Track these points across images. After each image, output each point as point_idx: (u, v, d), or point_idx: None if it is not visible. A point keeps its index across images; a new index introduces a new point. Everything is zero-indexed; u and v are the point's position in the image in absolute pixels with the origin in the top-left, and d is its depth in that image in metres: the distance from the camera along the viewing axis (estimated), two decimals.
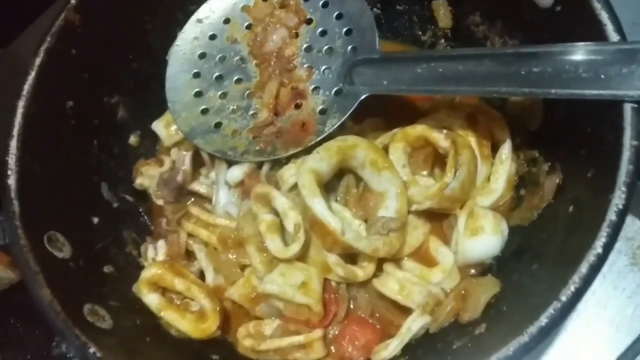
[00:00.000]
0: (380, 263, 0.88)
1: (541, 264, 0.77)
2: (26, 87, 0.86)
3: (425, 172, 0.93)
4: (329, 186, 0.90)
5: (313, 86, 0.93)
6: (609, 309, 0.96)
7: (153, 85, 1.01)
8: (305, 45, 0.94)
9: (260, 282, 0.86)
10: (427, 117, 0.94)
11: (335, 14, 0.94)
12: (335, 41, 0.93)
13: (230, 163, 0.96)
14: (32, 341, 1.01)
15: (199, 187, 1.00)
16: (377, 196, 0.88)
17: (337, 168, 0.88)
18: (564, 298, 0.64)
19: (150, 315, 0.88)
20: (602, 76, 0.68)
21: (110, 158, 1.01)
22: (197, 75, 0.97)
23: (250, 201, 0.89)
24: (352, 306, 0.89)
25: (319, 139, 0.89)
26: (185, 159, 0.98)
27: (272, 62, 0.96)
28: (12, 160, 0.83)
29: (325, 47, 0.93)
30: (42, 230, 0.82)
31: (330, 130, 0.89)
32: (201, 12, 0.99)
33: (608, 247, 0.65)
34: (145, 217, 1.05)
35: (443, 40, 1.07)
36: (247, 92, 0.96)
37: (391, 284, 0.85)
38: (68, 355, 0.94)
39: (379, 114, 0.97)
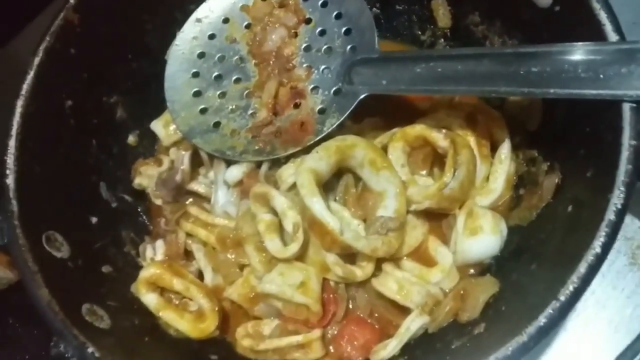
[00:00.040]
0: (379, 263, 0.87)
1: (540, 263, 0.77)
2: (25, 87, 0.86)
3: (424, 172, 0.92)
4: (327, 186, 0.90)
5: (312, 86, 0.93)
6: (608, 309, 0.96)
7: (152, 85, 1.01)
8: (304, 45, 0.94)
9: (259, 282, 0.86)
10: (426, 116, 0.94)
11: (335, 13, 0.94)
12: (335, 41, 0.93)
13: (229, 163, 0.96)
14: (31, 341, 1.01)
15: (198, 186, 1.00)
16: (376, 196, 0.88)
17: (336, 167, 0.88)
18: (562, 298, 0.63)
19: (148, 315, 0.88)
20: (601, 76, 0.68)
21: (109, 158, 1.01)
22: (196, 74, 0.97)
23: (249, 201, 0.89)
24: (351, 306, 0.89)
25: (318, 138, 0.89)
26: (183, 158, 0.98)
27: (271, 62, 0.96)
28: (10, 159, 0.83)
29: (325, 47, 0.93)
30: (40, 230, 0.82)
31: (329, 130, 0.89)
32: (200, 11, 0.99)
33: (607, 247, 0.65)
34: (144, 217, 1.05)
35: (442, 40, 1.07)
36: (246, 91, 0.96)
37: (390, 283, 0.84)
38: (66, 355, 0.94)
39: (378, 114, 0.97)
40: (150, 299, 0.87)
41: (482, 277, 0.85)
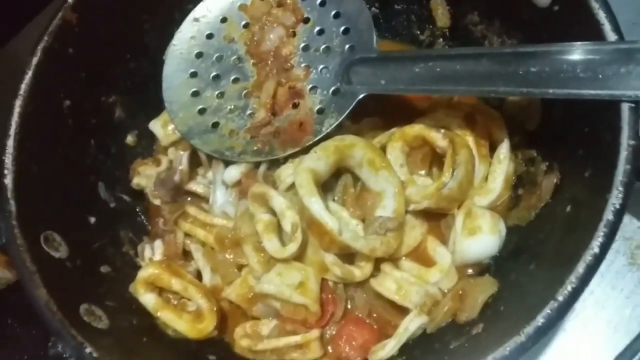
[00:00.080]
0: (377, 263, 0.87)
1: (538, 263, 0.77)
2: (23, 87, 0.86)
3: (423, 172, 0.93)
4: (326, 186, 0.90)
5: (310, 85, 0.92)
6: (607, 309, 0.96)
7: (150, 85, 1.01)
8: (302, 45, 0.94)
9: (257, 282, 0.86)
10: (425, 116, 0.94)
11: (333, 12, 0.93)
12: (333, 40, 0.92)
13: (228, 163, 0.96)
14: (30, 341, 1.00)
15: (196, 186, 1.00)
16: (375, 196, 0.88)
17: (334, 167, 0.88)
18: (560, 298, 0.63)
19: (146, 315, 0.88)
20: (600, 76, 0.68)
21: (108, 158, 1.00)
22: (194, 74, 0.96)
23: (248, 201, 0.89)
24: (349, 306, 0.89)
25: (317, 138, 0.89)
26: (182, 158, 0.98)
27: (269, 62, 0.96)
28: (8, 159, 0.82)
29: (323, 46, 0.93)
30: (38, 230, 0.82)
31: (328, 130, 0.89)
32: (198, 10, 0.98)
33: (605, 247, 0.65)
34: (142, 217, 1.04)
35: (441, 40, 1.06)
36: (245, 91, 0.95)
37: (388, 283, 0.84)
38: (64, 355, 0.94)
39: (377, 114, 0.97)
40: (148, 299, 0.87)
41: (480, 277, 0.85)
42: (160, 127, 1.02)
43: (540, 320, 0.63)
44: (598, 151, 0.72)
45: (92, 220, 0.94)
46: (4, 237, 0.80)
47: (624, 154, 0.67)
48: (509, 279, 0.81)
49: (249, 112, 0.94)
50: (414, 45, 1.10)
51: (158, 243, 0.97)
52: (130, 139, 1.05)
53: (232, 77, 0.96)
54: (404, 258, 0.90)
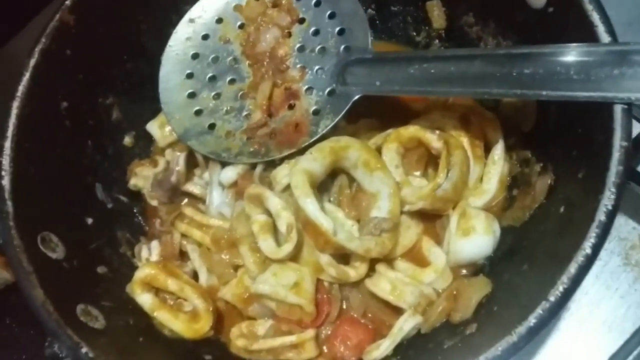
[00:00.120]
0: (372, 263, 0.88)
1: (532, 264, 0.77)
2: (20, 88, 0.87)
3: (418, 173, 0.93)
4: (322, 187, 0.90)
5: (306, 86, 0.93)
6: (602, 309, 0.96)
7: (147, 86, 1.01)
8: (298, 45, 0.95)
9: (253, 283, 0.86)
10: (421, 117, 0.94)
11: (328, 13, 0.94)
12: (328, 41, 0.93)
13: (224, 164, 0.96)
14: (28, 341, 1.01)
15: (193, 187, 1.00)
16: (370, 197, 0.88)
17: (330, 169, 0.88)
18: (552, 298, 0.64)
19: (143, 315, 0.88)
20: (593, 78, 0.68)
21: (105, 159, 1.01)
22: (190, 76, 0.97)
23: (244, 202, 0.89)
24: (344, 306, 0.89)
25: (313, 140, 0.89)
26: (179, 159, 0.98)
27: (265, 63, 0.96)
28: (6, 160, 0.83)
29: (318, 47, 0.93)
30: (35, 230, 0.82)
31: (324, 131, 0.90)
32: (193, 11, 0.99)
33: (597, 248, 0.65)
34: (140, 218, 1.05)
35: (437, 41, 1.07)
36: (241, 92, 0.96)
37: (383, 284, 0.85)
38: (60, 356, 0.94)
39: (373, 115, 0.97)
40: (145, 299, 0.88)
41: (475, 277, 0.85)
42: (158, 129, 1.03)
43: (532, 320, 0.63)
44: (591, 152, 0.72)
45: (90, 221, 0.94)
46: (1, 238, 0.80)
47: (616, 155, 0.67)
48: (502, 279, 0.81)
49: (245, 113, 0.95)
50: (410, 47, 1.10)
51: (155, 244, 0.98)
52: (127, 140, 1.05)
53: (228, 78, 0.96)
54: (399, 258, 0.90)
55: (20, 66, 0.88)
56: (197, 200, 1.01)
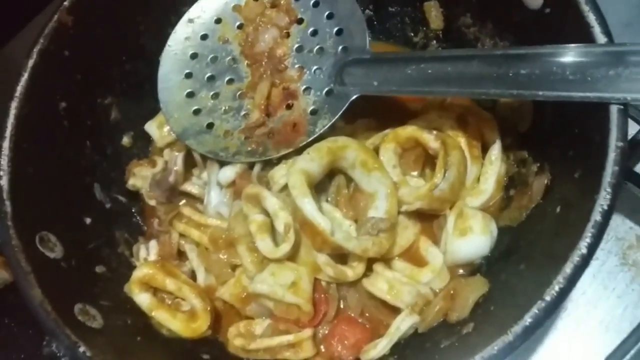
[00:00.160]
0: (370, 263, 0.88)
1: (528, 264, 0.77)
2: (19, 89, 0.87)
3: (415, 173, 0.93)
4: (320, 187, 0.90)
5: (304, 86, 0.93)
6: (599, 309, 0.97)
7: (146, 87, 1.02)
8: (296, 46, 0.95)
9: (250, 282, 0.86)
10: (418, 118, 0.94)
11: (326, 13, 0.94)
12: (326, 41, 0.93)
13: (222, 164, 0.96)
14: (26, 341, 1.01)
15: (191, 187, 1.01)
16: (367, 197, 0.89)
17: (327, 169, 0.88)
18: (548, 298, 0.64)
19: (141, 314, 0.88)
20: (589, 78, 0.68)
21: (103, 159, 1.01)
22: (189, 75, 0.97)
23: (241, 201, 0.89)
24: (342, 306, 0.90)
25: (310, 139, 0.90)
26: (177, 159, 0.99)
27: (263, 63, 0.97)
28: (4, 161, 0.83)
29: (316, 47, 0.93)
30: (34, 230, 0.82)
31: (321, 131, 0.90)
32: (192, 11, 0.99)
33: (593, 248, 0.65)
34: (138, 218, 1.05)
35: (435, 42, 1.07)
36: (239, 92, 0.96)
37: (380, 283, 0.85)
38: (58, 355, 0.94)
39: (371, 115, 0.98)
40: (143, 299, 0.88)
41: (472, 277, 0.86)
42: (156, 129, 1.03)
43: (528, 320, 0.64)
44: (587, 152, 0.72)
45: (88, 220, 0.94)
46: None
47: (612, 155, 0.67)
48: (499, 279, 0.81)
49: (243, 112, 0.95)
50: (407, 47, 1.11)
51: (153, 243, 0.98)
52: (126, 140, 1.05)
53: (227, 78, 0.97)
54: (396, 258, 0.90)
55: (17, 68, 0.88)
56: (195, 200, 1.01)
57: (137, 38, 1.03)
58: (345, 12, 0.93)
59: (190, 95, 0.96)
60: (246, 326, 0.88)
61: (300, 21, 0.96)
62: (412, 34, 1.10)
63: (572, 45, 0.70)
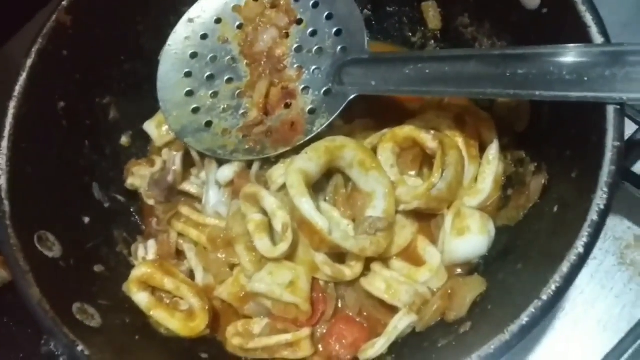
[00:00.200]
0: (368, 262, 0.88)
1: (526, 263, 0.77)
2: (17, 88, 0.87)
3: (413, 172, 0.93)
4: (318, 186, 0.90)
5: (303, 86, 0.93)
6: (597, 308, 0.97)
7: (145, 86, 1.02)
8: (295, 46, 0.95)
9: (249, 281, 0.87)
10: (416, 117, 0.94)
11: (326, 14, 0.94)
12: (325, 41, 0.93)
13: (221, 163, 0.96)
14: (25, 340, 1.01)
15: (190, 187, 1.01)
16: (365, 196, 0.89)
17: (325, 168, 0.89)
18: (544, 297, 0.64)
19: (139, 314, 0.88)
20: (586, 78, 0.69)
21: (102, 158, 1.01)
22: (188, 74, 0.98)
23: (240, 201, 0.89)
24: (340, 305, 0.90)
25: (308, 138, 0.90)
26: (175, 159, 0.99)
27: (262, 62, 0.97)
28: (3, 160, 0.83)
29: (315, 48, 0.94)
30: (32, 230, 0.83)
31: (319, 130, 0.90)
32: (193, 11, 0.99)
33: (589, 247, 0.65)
34: (137, 217, 1.05)
35: (433, 42, 1.07)
36: (238, 91, 0.96)
37: (378, 283, 0.85)
38: (56, 354, 0.95)
39: (369, 115, 0.98)
40: (141, 298, 0.88)
41: (470, 276, 0.86)
42: (155, 128, 1.03)
43: (524, 319, 0.64)
44: (584, 152, 0.72)
45: (87, 220, 0.94)
46: None
47: (608, 155, 0.68)
48: (497, 278, 0.81)
49: (241, 111, 0.95)
50: (405, 47, 1.11)
51: (151, 243, 0.98)
52: (124, 139, 1.06)
53: (226, 77, 0.97)
54: (394, 257, 0.91)
55: (16, 67, 0.88)
56: (193, 199, 1.01)
57: (136, 38, 1.03)
58: (344, 13, 0.93)
59: (190, 94, 0.97)
60: (244, 325, 0.88)
61: (299, 22, 0.96)
62: (410, 34, 1.10)
63: (569, 45, 0.71)
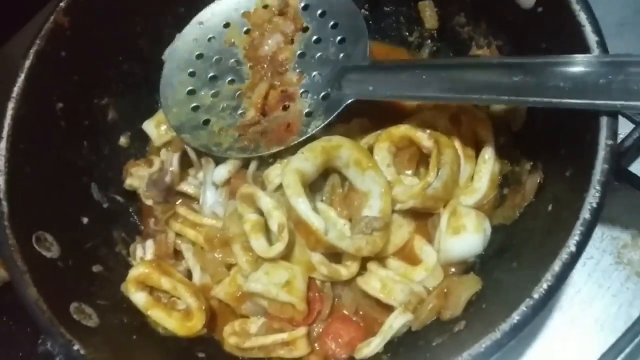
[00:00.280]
0: (365, 262, 0.88)
1: (520, 262, 0.77)
2: (16, 89, 0.88)
3: (409, 172, 0.93)
4: (314, 186, 0.91)
5: (302, 90, 0.94)
6: (594, 308, 0.97)
7: (143, 87, 1.03)
8: (299, 52, 0.97)
9: (245, 281, 0.87)
10: (412, 117, 0.94)
11: (331, 23, 0.96)
12: (328, 49, 0.94)
13: (218, 163, 0.97)
14: (24, 339, 1.01)
15: (187, 187, 1.01)
16: (362, 196, 0.89)
17: (322, 168, 0.89)
18: (536, 296, 0.64)
19: (137, 313, 0.89)
20: (581, 87, 0.69)
21: (100, 159, 1.02)
22: (192, 74, 0.99)
23: (236, 201, 0.90)
24: (336, 304, 0.90)
25: (302, 139, 0.91)
26: (173, 159, 0.99)
27: (265, 65, 0.98)
28: (1, 161, 0.84)
29: (318, 54, 0.95)
30: (30, 230, 0.83)
31: (313, 132, 0.91)
32: (203, 15, 1.01)
33: (581, 246, 0.66)
34: (135, 217, 1.05)
35: (429, 41, 1.08)
36: (238, 92, 0.98)
37: (373, 282, 0.85)
38: (54, 353, 0.95)
39: (366, 115, 0.98)
40: (139, 298, 0.89)
41: (465, 275, 0.86)
42: (154, 128, 1.04)
43: (515, 317, 0.64)
44: (578, 151, 0.72)
45: (85, 220, 0.95)
46: None
47: (601, 153, 0.68)
48: (492, 277, 0.82)
49: (240, 111, 0.96)
50: (403, 47, 1.11)
51: (149, 243, 0.98)
52: (123, 140, 1.06)
53: (229, 79, 0.98)
54: (391, 257, 0.91)
55: (14, 69, 0.89)
56: (191, 199, 1.02)
57: (134, 39, 1.04)
58: (349, 22, 0.94)
59: (191, 92, 0.98)
60: (241, 325, 0.89)
61: (305, 29, 0.97)
62: (407, 34, 1.10)
63: (566, 55, 0.71)
